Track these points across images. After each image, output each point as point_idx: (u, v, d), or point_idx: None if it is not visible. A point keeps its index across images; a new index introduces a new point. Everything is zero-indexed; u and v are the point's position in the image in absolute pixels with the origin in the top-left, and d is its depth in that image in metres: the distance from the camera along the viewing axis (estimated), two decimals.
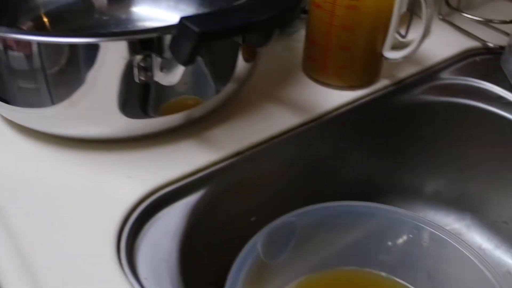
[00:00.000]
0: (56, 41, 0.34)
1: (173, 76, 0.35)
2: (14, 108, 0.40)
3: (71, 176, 0.39)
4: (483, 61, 0.58)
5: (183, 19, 0.31)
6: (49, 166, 0.40)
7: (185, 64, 0.33)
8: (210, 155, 0.41)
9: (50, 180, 0.39)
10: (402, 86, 0.53)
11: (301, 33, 0.53)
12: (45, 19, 0.54)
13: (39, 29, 0.53)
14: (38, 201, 0.37)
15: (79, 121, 0.40)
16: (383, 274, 0.51)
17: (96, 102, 0.38)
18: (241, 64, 0.43)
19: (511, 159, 0.53)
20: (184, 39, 0.31)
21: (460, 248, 0.45)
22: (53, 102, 0.38)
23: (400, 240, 0.50)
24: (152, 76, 0.36)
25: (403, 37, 0.54)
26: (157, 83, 0.37)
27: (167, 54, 0.34)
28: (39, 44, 0.35)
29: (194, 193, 0.40)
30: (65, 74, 0.37)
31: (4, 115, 0.43)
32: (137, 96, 0.38)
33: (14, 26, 0.51)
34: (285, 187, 0.48)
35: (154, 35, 0.34)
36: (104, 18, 0.57)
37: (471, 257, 0.44)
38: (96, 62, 0.36)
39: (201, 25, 0.31)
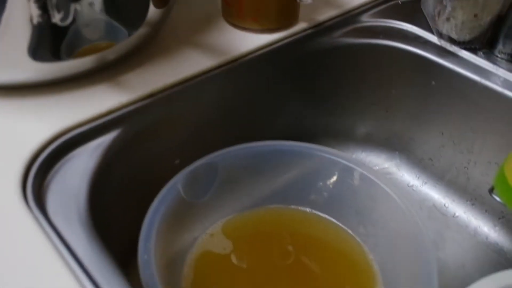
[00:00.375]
0: None
1: (67, 15, 0.36)
2: None
3: None
4: (405, 3, 0.60)
5: None
6: None
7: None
8: (122, 97, 0.42)
9: None
10: (322, 29, 0.54)
11: None
12: None
13: None
14: None
15: None
16: (308, 209, 0.53)
17: (4, 48, 0.39)
18: (152, 9, 0.44)
19: (430, 97, 0.55)
20: None
21: (385, 188, 0.47)
22: None
23: (331, 181, 0.52)
24: (48, 17, 0.36)
25: None
26: (57, 25, 0.37)
27: None
28: None
29: (106, 135, 0.41)
30: None
31: None
32: (45, 39, 0.39)
33: None
34: (207, 130, 0.50)
35: None
36: None
37: (395, 196, 0.46)
38: None
39: None
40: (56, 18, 0.36)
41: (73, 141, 0.39)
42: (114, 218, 0.44)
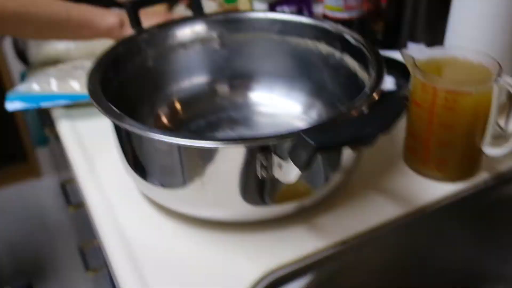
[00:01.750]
0: (194, 145, 0.41)
1: (290, 176, 0.41)
2: (156, 189, 0.48)
3: (201, 252, 0.46)
4: None
5: (301, 132, 0.37)
6: (183, 242, 0.48)
7: (301, 169, 0.38)
8: (318, 242, 0.46)
9: (183, 254, 0.46)
10: (504, 180, 0.54)
11: None
12: (177, 105, 0.63)
13: (174, 113, 0.62)
14: (173, 272, 0.45)
15: (207, 204, 0.47)
16: None
17: (221, 190, 0.45)
18: (347, 155, 0.48)
19: None
20: (302, 149, 0.37)
21: None
22: (185, 183, 0.46)
23: None
24: (272, 174, 0.42)
25: (502, 129, 0.56)
26: (275, 179, 0.43)
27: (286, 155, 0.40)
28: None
29: (302, 278, 0.45)
30: (193, 165, 0.44)
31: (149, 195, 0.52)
32: (256, 187, 0.44)
33: (154, 111, 0.61)
34: (386, 274, 0.52)
35: (273, 142, 0.40)
36: (224, 102, 0.66)
37: None
38: (219, 158, 0.43)
39: (316, 140, 0.36)
40: (278, 174, 0.42)
41: (276, 282, 0.44)
42: None
